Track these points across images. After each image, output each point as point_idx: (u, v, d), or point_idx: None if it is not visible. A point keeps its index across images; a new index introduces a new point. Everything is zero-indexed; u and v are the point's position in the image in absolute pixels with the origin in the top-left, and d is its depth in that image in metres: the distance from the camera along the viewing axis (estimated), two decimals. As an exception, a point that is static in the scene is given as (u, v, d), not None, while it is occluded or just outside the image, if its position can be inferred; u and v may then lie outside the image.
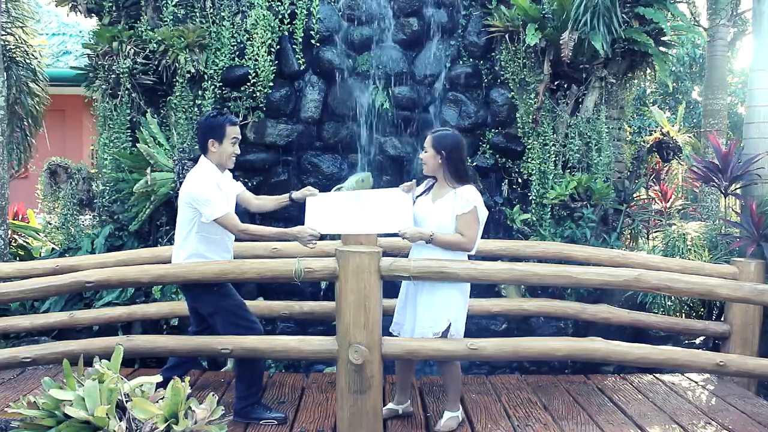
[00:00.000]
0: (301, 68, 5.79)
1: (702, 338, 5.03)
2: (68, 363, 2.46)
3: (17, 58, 6.41)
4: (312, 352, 3.43)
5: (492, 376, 4.63)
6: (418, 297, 3.45)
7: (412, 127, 5.86)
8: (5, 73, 6.16)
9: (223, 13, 5.61)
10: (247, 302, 4.12)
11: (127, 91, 5.45)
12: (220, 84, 5.55)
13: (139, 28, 5.50)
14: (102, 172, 5.68)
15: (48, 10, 9.86)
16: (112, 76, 5.39)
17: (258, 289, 5.44)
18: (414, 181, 3.60)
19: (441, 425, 3.53)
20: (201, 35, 5.46)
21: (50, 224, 6.46)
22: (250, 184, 5.71)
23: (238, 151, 3.57)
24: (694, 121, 11.90)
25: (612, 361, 4.05)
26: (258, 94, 5.58)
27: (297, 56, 5.75)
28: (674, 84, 12.59)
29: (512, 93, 5.65)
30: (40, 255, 6.08)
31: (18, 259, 5.81)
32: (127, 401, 2.28)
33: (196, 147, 5.38)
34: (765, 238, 4.86)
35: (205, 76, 5.52)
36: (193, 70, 5.42)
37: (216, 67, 5.54)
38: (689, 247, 5.39)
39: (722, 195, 5.56)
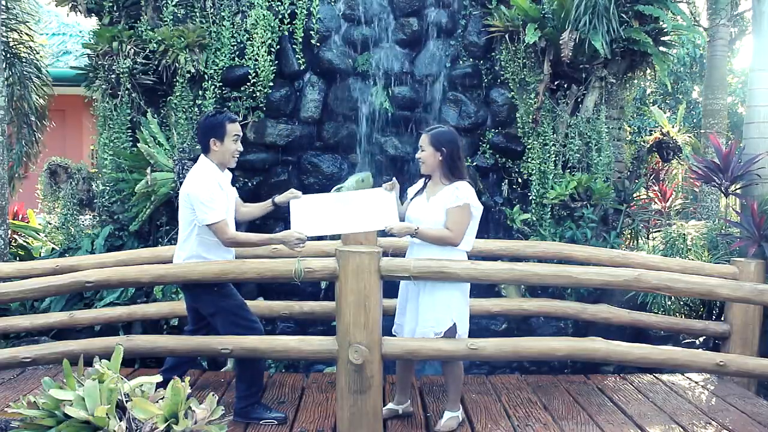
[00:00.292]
0: (301, 68, 5.79)
1: (702, 338, 5.02)
2: (68, 363, 2.45)
3: (21, 55, 6.43)
4: (312, 352, 3.43)
5: (492, 376, 4.63)
6: (420, 297, 3.45)
7: (412, 127, 5.86)
8: (8, 71, 6.18)
9: (223, 13, 5.61)
10: (247, 302, 4.11)
11: (127, 91, 5.45)
12: (220, 84, 5.55)
13: (139, 28, 5.50)
14: (102, 172, 5.68)
15: (48, 10, 9.85)
16: (112, 76, 5.40)
17: (258, 289, 5.44)
18: (395, 179, 3.58)
19: (441, 425, 3.52)
20: (201, 35, 5.46)
21: (50, 224, 6.46)
22: (250, 184, 5.72)
23: (241, 148, 3.56)
24: (694, 121, 11.89)
25: (612, 361, 4.05)
26: (258, 94, 5.58)
27: (297, 56, 5.76)
28: (674, 84, 12.59)
29: (512, 93, 5.65)
30: (40, 255, 6.08)
31: (18, 259, 5.81)
32: (127, 401, 2.28)
33: (197, 147, 5.38)
34: (766, 239, 4.86)
35: (205, 76, 5.52)
36: (193, 70, 5.42)
37: (216, 67, 5.54)
38: (689, 247, 5.39)
39: (723, 195, 5.56)
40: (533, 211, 5.51)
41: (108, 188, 5.61)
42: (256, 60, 5.55)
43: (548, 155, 5.50)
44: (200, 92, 5.51)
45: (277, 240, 3.43)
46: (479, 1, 5.84)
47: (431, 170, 3.49)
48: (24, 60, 6.44)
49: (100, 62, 5.47)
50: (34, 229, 6.53)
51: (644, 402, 4.07)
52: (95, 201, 5.77)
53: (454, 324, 3.40)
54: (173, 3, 5.50)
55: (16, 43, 6.38)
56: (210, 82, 5.53)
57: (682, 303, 5.27)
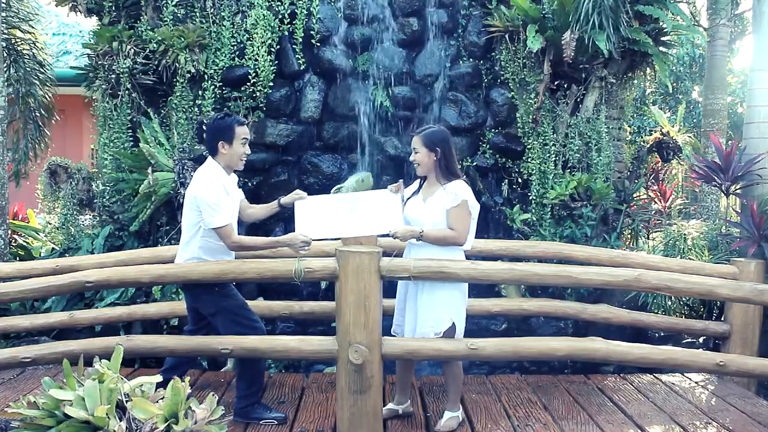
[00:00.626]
0: (301, 68, 5.79)
1: (702, 338, 5.02)
2: (68, 363, 2.45)
3: (24, 51, 6.44)
4: (312, 352, 3.43)
5: (492, 376, 4.63)
6: (419, 297, 3.45)
7: (412, 127, 5.85)
8: (12, 69, 6.18)
9: (223, 13, 5.61)
10: (247, 302, 4.09)
11: (127, 91, 5.45)
12: (220, 84, 5.55)
13: (139, 28, 5.50)
14: (102, 172, 5.68)
15: (48, 10, 9.84)
16: (112, 76, 5.40)
17: (258, 289, 5.44)
18: (401, 181, 3.59)
19: (441, 425, 3.52)
20: (201, 35, 5.47)
21: (50, 224, 6.46)
22: (250, 184, 5.72)
23: (249, 152, 3.57)
24: (694, 121, 11.89)
25: (612, 361, 4.05)
26: (258, 94, 5.58)
27: (297, 56, 5.76)
28: (674, 84, 12.58)
29: (512, 93, 5.65)
30: (40, 255, 6.08)
31: (18, 259, 5.81)
32: (127, 401, 2.28)
33: (197, 147, 5.39)
34: (766, 239, 4.86)
35: (205, 76, 5.53)
36: (193, 70, 5.42)
37: (216, 67, 5.54)
38: (690, 247, 5.39)
39: (723, 195, 5.56)
40: (533, 211, 5.51)
41: (108, 188, 5.61)
42: (256, 60, 5.55)
43: (548, 155, 5.50)
44: (200, 92, 5.52)
45: (283, 243, 3.42)
46: (479, 1, 5.85)
47: (427, 171, 3.48)
48: (28, 57, 6.45)
49: (100, 62, 5.47)
50: (34, 229, 6.53)
51: (644, 402, 4.07)
52: (95, 201, 5.77)
53: (454, 324, 3.40)
54: (173, 3, 5.50)
55: (19, 40, 6.39)
56: (210, 82, 5.53)
57: (682, 303, 5.27)
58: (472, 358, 3.80)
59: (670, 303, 5.17)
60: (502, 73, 5.70)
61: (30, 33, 6.54)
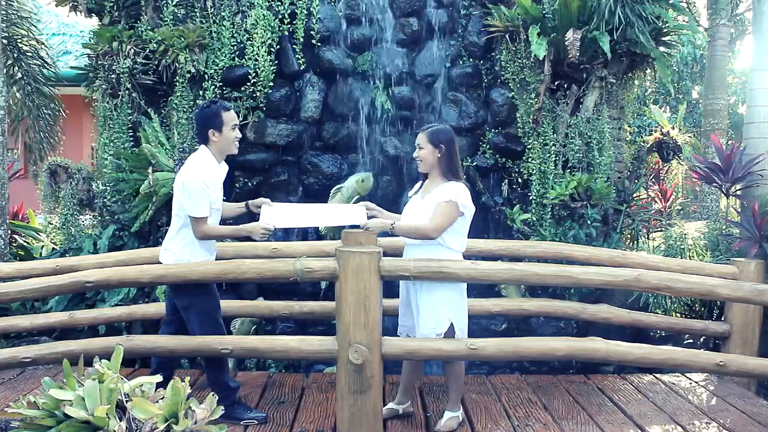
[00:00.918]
0: (301, 68, 5.79)
1: (702, 338, 5.02)
2: (68, 363, 2.45)
3: (26, 50, 6.44)
4: (312, 352, 3.43)
5: (492, 376, 4.63)
6: (418, 298, 3.45)
7: (412, 127, 5.86)
8: (13, 68, 6.18)
9: (223, 13, 5.61)
10: (247, 302, 4.12)
11: (127, 91, 5.45)
12: (221, 84, 5.55)
13: (139, 28, 5.50)
14: (102, 172, 5.68)
15: (48, 10, 9.87)
16: (113, 76, 5.40)
17: (258, 289, 5.44)
18: (367, 202, 3.64)
19: (441, 425, 3.52)
20: (201, 35, 5.46)
21: (51, 224, 6.46)
22: (250, 184, 5.72)
23: (240, 135, 3.58)
24: (695, 121, 11.89)
25: (612, 361, 4.05)
26: (258, 94, 5.58)
27: (297, 56, 5.75)
28: (675, 84, 12.59)
29: (512, 93, 5.65)
30: (40, 255, 6.08)
31: (18, 259, 5.81)
32: (127, 401, 2.27)
33: (197, 147, 5.38)
34: (767, 239, 4.86)
35: (206, 76, 5.52)
36: (193, 70, 5.42)
37: (216, 67, 5.54)
38: (690, 248, 5.39)
39: (723, 195, 5.56)
40: (533, 211, 5.51)
41: (108, 188, 5.60)
42: (256, 60, 5.55)
43: (548, 155, 5.50)
44: (200, 92, 5.51)
45: (245, 231, 3.45)
46: (479, 1, 5.84)
47: (429, 168, 3.48)
48: (30, 54, 6.45)
49: (100, 62, 5.47)
50: (35, 229, 6.53)
51: (644, 402, 4.07)
52: (95, 201, 5.76)
53: (452, 324, 3.40)
54: (173, 3, 5.50)
55: (20, 38, 6.39)
56: (210, 82, 5.52)
57: (682, 303, 5.27)
58: (472, 358, 3.80)
59: (670, 303, 5.17)
60: (502, 73, 5.70)
61: (31, 31, 6.55)
